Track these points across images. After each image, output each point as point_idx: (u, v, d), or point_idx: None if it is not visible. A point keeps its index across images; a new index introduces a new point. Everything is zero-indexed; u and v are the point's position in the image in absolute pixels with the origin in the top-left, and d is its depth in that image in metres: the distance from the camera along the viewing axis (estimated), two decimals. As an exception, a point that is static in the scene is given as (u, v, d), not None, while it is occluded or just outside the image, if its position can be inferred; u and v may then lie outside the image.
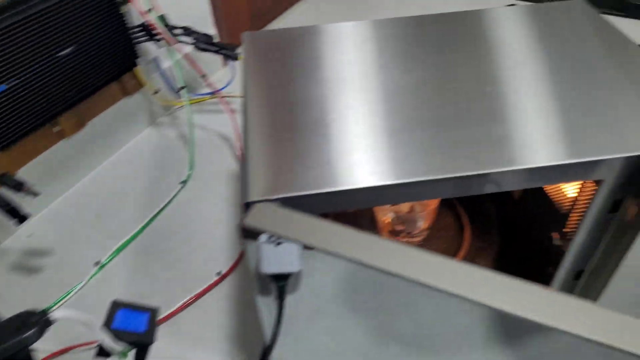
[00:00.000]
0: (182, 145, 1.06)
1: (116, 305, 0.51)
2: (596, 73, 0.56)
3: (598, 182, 0.49)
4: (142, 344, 0.48)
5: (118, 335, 0.45)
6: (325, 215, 0.78)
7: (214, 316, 0.74)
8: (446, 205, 0.79)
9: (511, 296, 0.38)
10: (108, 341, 0.43)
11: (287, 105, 0.55)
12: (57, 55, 0.81)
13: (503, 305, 0.37)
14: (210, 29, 1.20)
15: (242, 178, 0.48)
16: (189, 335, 0.72)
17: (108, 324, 0.45)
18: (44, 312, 0.36)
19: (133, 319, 0.50)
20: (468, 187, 0.48)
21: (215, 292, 0.77)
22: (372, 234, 0.43)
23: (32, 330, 0.35)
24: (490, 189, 0.48)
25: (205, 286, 0.77)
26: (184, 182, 0.97)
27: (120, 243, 0.85)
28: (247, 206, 0.45)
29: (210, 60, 1.23)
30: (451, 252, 0.72)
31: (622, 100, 0.52)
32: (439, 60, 0.60)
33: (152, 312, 0.53)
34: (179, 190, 0.95)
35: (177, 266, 0.82)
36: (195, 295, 0.76)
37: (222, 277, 0.79)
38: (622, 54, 0.58)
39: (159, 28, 0.92)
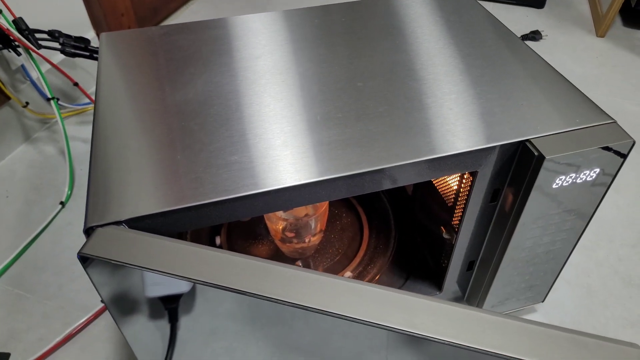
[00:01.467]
0: (63, 162, 0.96)
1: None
2: (475, 64, 0.55)
3: (474, 174, 0.49)
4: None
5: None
6: (217, 226, 0.73)
7: (100, 349, 0.67)
8: (346, 205, 0.77)
9: (410, 313, 0.35)
10: None
11: (138, 115, 0.50)
12: None
13: (382, 321, 0.35)
14: (89, 32, 1.10)
15: (86, 200, 0.42)
16: (68, 376, 0.64)
17: None
18: None
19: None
20: (359, 186, 0.45)
21: (100, 322, 0.70)
22: (226, 252, 0.39)
23: None
24: (380, 185, 0.45)
25: (88, 316, 0.69)
26: (64, 204, 0.87)
27: (-13, 278, 0.75)
28: (87, 233, 0.39)
29: (93, 67, 1.13)
30: (350, 253, 0.70)
31: (495, 91, 0.51)
32: (314, 54, 0.57)
33: (2, 358, 0.46)
34: (58, 212, 0.86)
35: (56, 297, 0.73)
36: (76, 328, 0.68)
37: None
38: (502, 46, 0.59)
39: (14, 34, 0.81)
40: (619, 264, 0.75)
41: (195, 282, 0.38)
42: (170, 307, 0.47)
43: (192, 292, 0.44)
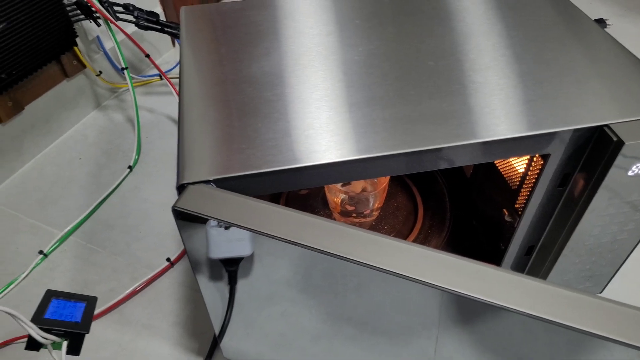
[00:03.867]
0: (130, 129, 1.01)
1: (50, 295, 0.48)
2: (547, 47, 0.55)
3: (545, 157, 0.49)
4: (76, 334, 0.45)
5: (51, 325, 0.42)
6: (276, 197, 0.76)
7: (164, 304, 0.71)
8: (400, 185, 0.78)
9: (461, 277, 0.37)
10: (36, 332, 0.40)
11: (222, 84, 0.52)
12: (-16, 32, 0.75)
13: (453, 286, 0.36)
14: (156, 7, 1.14)
15: (177, 160, 0.45)
16: (137, 324, 0.69)
17: (40, 314, 0.43)
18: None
19: (68, 309, 0.47)
20: (418, 164, 0.46)
21: (164, 279, 0.74)
22: (307, 214, 0.41)
23: None
24: (439, 165, 0.47)
25: (153, 273, 0.74)
26: (131, 168, 0.92)
27: (65, 231, 0.81)
28: (180, 189, 0.42)
29: (159, 40, 1.17)
30: (404, 231, 0.72)
31: (571, 74, 0.51)
32: (380, 33, 0.58)
33: (89, 301, 0.50)
34: (126, 176, 0.91)
35: (124, 254, 0.78)
36: (143, 283, 0.73)
37: (172, 264, 0.76)
38: (575, 29, 0.58)
39: (96, 5, 0.86)
40: (682, 262, 0.73)
41: (274, 239, 0.40)
42: (230, 270, 0.50)
43: (250, 258, 0.47)
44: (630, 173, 0.46)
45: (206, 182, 0.42)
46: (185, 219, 0.42)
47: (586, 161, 0.48)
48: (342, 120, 0.47)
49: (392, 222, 0.73)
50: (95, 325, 0.69)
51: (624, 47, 0.54)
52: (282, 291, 0.50)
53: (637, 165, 0.46)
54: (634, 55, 0.53)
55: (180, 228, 0.43)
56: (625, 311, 0.34)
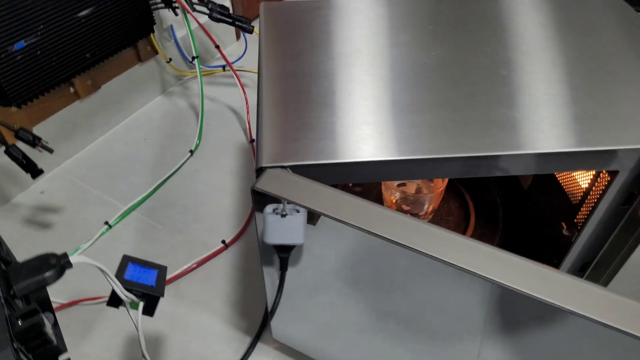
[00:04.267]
0: (192, 116, 1.06)
1: (127, 259, 0.52)
2: (616, 63, 0.55)
3: (613, 174, 0.49)
4: (152, 297, 0.48)
5: (129, 286, 0.46)
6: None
7: (217, 282, 0.75)
8: (453, 191, 0.79)
9: (520, 275, 0.38)
10: (120, 290, 0.44)
11: (300, 77, 0.55)
12: (77, 15, 0.81)
13: (510, 282, 0.38)
14: (225, 1, 1.19)
15: (256, 145, 0.48)
16: (191, 299, 0.73)
17: (120, 274, 0.46)
18: (65, 255, 0.37)
19: (143, 274, 0.51)
20: (475, 169, 0.48)
21: (218, 260, 0.78)
22: (376, 205, 0.43)
23: (52, 271, 0.36)
24: (498, 172, 0.48)
25: (209, 253, 0.78)
26: (192, 152, 0.97)
27: (129, 205, 0.86)
28: (259, 172, 0.45)
29: (224, 33, 1.22)
30: (456, 236, 0.72)
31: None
32: (453, 40, 0.60)
33: (161, 269, 0.54)
34: (187, 159, 0.95)
35: (182, 232, 0.82)
36: (198, 262, 0.77)
37: (226, 246, 0.79)
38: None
39: (178, -6, 0.91)
40: None
41: (342, 223, 0.42)
42: (282, 257, 0.52)
43: (301, 248, 0.49)
44: (700, 197, 0.46)
45: (283, 167, 0.45)
46: (261, 201, 0.45)
47: (655, 181, 0.48)
48: (411, 120, 0.49)
49: (443, 227, 0.74)
50: (152, 296, 0.73)
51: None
52: (331, 282, 0.52)
53: None
54: None
55: (256, 208, 0.46)
56: None
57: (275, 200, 0.44)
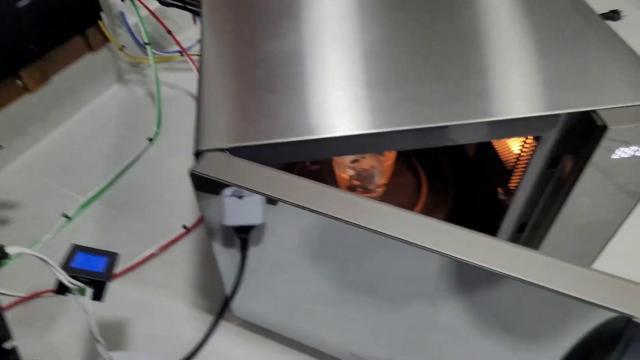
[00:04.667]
0: (151, 103, 1.06)
1: (76, 248, 0.54)
2: (550, 37, 0.58)
3: (537, 139, 0.52)
4: (99, 283, 0.50)
5: (75, 273, 0.47)
6: (289, 171, 0.81)
7: (180, 267, 0.77)
8: (406, 164, 0.82)
9: (459, 244, 0.41)
10: (65, 277, 0.45)
11: (244, 59, 0.56)
12: (16, 5, 0.80)
13: (457, 254, 0.40)
14: (178, -15, 1.18)
15: (195, 128, 0.49)
16: (154, 284, 0.75)
17: (67, 263, 0.48)
18: (1, 247, 0.38)
19: (92, 261, 0.53)
20: (421, 140, 0.50)
21: (181, 245, 0.80)
22: (315, 183, 0.45)
23: (-14, 261, 0.37)
24: (440, 142, 0.50)
25: (171, 238, 0.79)
26: (151, 140, 0.97)
27: (88, 196, 0.86)
28: (197, 155, 0.47)
29: (181, 18, 1.21)
30: (408, 207, 0.76)
31: (567, 63, 0.54)
32: (408, 18, 0.61)
33: (112, 256, 0.55)
34: (147, 147, 0.96)
35: (144, 220, 0.84)
36: (161, 247, 0.78)
37: (188, 230, 0.81)
38: (578, 21, 0.61)
39: (122, -20, 0.90)
40: (671, 246, 0.76)
41: (287, 204, 0.44)
42: (242, 237, 0.54)
43: (262, 227, 0.51)
44: (614, 156, 0.50)
45: (222, 149, 0.47)
46: (202, 185, 0.46)
47: (575, 144, 0.52)
48: (355, 98, 0.51)
49: (396, 199, 0.77)
50: (115, 285, 0.75)
51: (621, 39, 0.57)
52: (291, 258, 0.54)
53: (621, 149, 0.49)
54: (628, 46, 0.56)
55: (197, 193, 0.47)
56: (610, 280, 0.37)
57: (216, 183, 0.46)
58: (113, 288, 0.74)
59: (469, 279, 0.43)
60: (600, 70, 0.53)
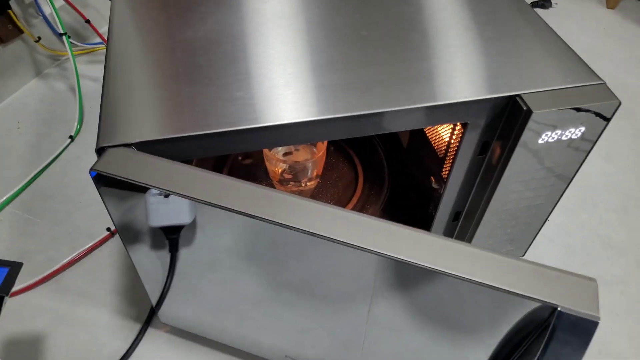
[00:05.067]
0: (72, 99, 0.99)
1: (-30, 261, 0.48)
2: (474, 21, 0.57)
3: (465, 125, 0.51)
4: (-8, 298, 0.45)
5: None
6: (220, 165, 0.77)
7: (103, 272, 0.71)
8: (343, 156, 0.80)
9: (392, 241, 0.38)
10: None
11: (156, 47, 0.52)
12: None
13: (384, 250, 0.38)
14: (101, -29, 1.10)
15: (99, 123, 0.45)
16: (75, 292, 0.69)
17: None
18: None
19: (-12, 275, 0.47)
20: (346, 129, 0.47)
21: (104, 249, 0.74)
22: (221, 175, 0.42)
23: None
24: (366, 131, 0.48)
25: (93, 242, 0.74)
26: (73, 138, 0.90)
27: (1, 201, 0.79)
28: (100, 152, 0.42)
29: (104, 7, 1.14)
30: (344, 199, 0.74)
31: (492, 49, 0.53)
32: (333, 3, 0.59)
33: (13, 266, 0.50)
34: (67, 146, 0.89)
35: (63, 224, 0.77)
36: (82, 252, 0.72)
37: (112, 234, 0.75)
38: (504, 7, 0.60)
39: (29, -36, 0.82)
40: (600, 227, 0.78)
41: (194, 200, 0.41)
42: (171, 238, 0.50)
43: (192, 226, 0.47)
44: (540, 141, 0.49)
45: (127, 145, 0.43)
46: (106, 184, 0.42)
47: (502, 130, 0.51)
48: (272, 87, 0.48)
49: (332, 191, 0.75)
50: (31, 295, 0.69)
51: (549, 26, 0.57)
52: (222, 258, 0.51)
53: (547, 133, 0.48)
54: (556, 34, 0.56)
55: (101, 193, 0.43)
56: (536, 269, 0.36)
57: (121, 182, 0.41)
58: (27, 299, 0.68)
59: (401, 275, 0.41)
60: (527, 56, 0.52)
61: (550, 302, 0.33)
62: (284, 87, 0.47)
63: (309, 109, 0.45)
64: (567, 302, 0.33)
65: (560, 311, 0.33)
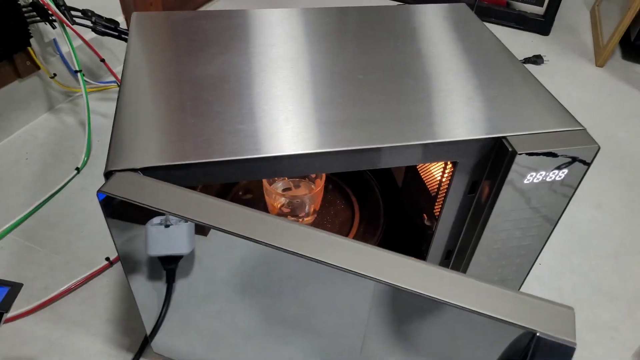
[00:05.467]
0: (82, 133, 1.02)
1: (-27, 280, 0.49)
2: (468, 69, 0.61)
3: (455, 164, 0.54)
4: (-7, 314, 0.46)
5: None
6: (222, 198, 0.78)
7: (99, 302, 0.72)
8: (340, 193, 0.82)
9: (397, 271, 0.40)
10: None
11: (167, 83, 0.55)
12: None
13: (383, 277, 0.39)
14: (118, 17, 1.17)
15: (108, 149, 0.47)
16: (69, 321, 0.69)
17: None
18: None
19: (-11, 293, 0.48)
20: (340, 163, 0.50)
21: (102, 278, 0.75)
22: (228, 202, 0.44)
23: None
24: (360, 165, 0.50)
25: (91, 272, 0.75)
26: (79, 169, 0.93)
27: (1, 229, 0.81)
28: (107, 176, 0.45)
29: (119, 48, 1.20)
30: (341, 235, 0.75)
31: (480, 92, 0.57)
32: (330, 48, 0.63)
33: (14, 286, 0.51)
34: (73, 177, 0.92)
35: (63, 252, 0.78)
36: (79, 281, 0.73)
37: (111, 263, 0.76)
38: (492, 57, 0.64)
39: (52, 8, 0.88)
40: (591, 273, 0.79)
41: (198, 224, 0.43)
42: (168, 268, 0.52)
43: (191, 257, 0.49)
44: (525, 181, 0.52)
45: (134, 170, 0.45)
46: (113, 208, 0.44)
47: (490, 170, 0.53)
48: (273, 121, 0.51)
49: (329, 227, 0.77)
50: (25, 322, 0.69)
51: (534, 76, 0.61)
52: (219, 290, 0.52)
53: (531, 174, 0.51)
54: (541, 84, 0.59)
55: (106, 216, 0.45)
56: (517, 297, 0.37)
57: (127, 205, 0.43)
58: (21, 326, 0.69)
59: (394, 302, 0.42)
60: (514, 102, 0.55)
61: (529, 328, 0.34)
62: (284, 121, 0.51)
63: (307, 142, 0.48)
64: (545, 328, 0.34)
65: (539, 336, 0.34)
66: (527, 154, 0.49)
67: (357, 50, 0.63)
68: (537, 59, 1.32)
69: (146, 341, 0.66)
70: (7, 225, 0.81)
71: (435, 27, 0.70)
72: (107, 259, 0.77)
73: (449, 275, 0.39)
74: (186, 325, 0.58)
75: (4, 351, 0.66)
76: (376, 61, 0.61)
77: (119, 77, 1.03)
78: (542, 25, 1.49)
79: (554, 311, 0.36)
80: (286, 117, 0.51)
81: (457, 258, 0.64)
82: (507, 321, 0.36)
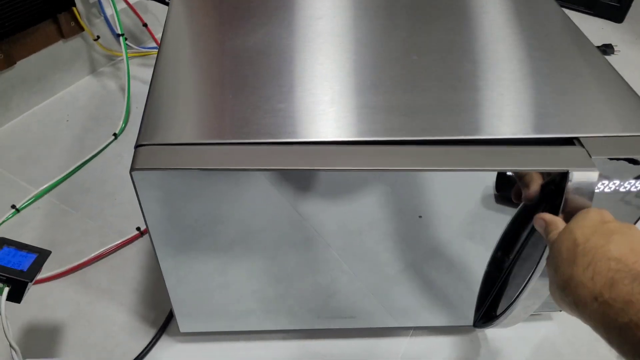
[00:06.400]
0: (121, 98, 1.01)
1: (2, 242, 0.48)
2: (533, 56, 0.55)
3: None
4: (18, 282, 0.45)
5: (-6, 269, 0.42)
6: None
7: (128, 271, 0.71)
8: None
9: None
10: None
11: (205, 54, 0.52)
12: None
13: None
14: (164, -21, 1.14)
15: (141, 122, 0.45)
16: (98, 288, 0.69)
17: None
18: None
19: (17, 258, 0.47)
20: None
21: (132, 248, 0.74)
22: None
23: None
24: None
25: (122, 240, 0.74)
26: (117, 135, 0.92)
27: (39, 189, 0.81)
28: (138, 149, 0.42)
29: (163, 14, 1.17)
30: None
31: (548, 84, 0.51)
32: (382, 25, 0.58)
33: (41, 254, 0.50)
34: (110, 143, 0.91)
35: (96, 219, 0.78)
36: (110, 248, 0.73)
37: (142, 233, 0.76)
38: (565, 43, 0.58)
39: (99, -34, 0.86)
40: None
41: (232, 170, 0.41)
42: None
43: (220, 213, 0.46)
44: (595, 190, 0.46)
45: (166, 145, 0.42)
46: (145, 180, 0.42)
47: (552, 171, 0.48)
48: (315, 102, 0.47)
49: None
50: (55, 285, 0.69)
51: (613, 67, 0.54)
52: (252, 236, 0.49)
53: (603, 182, 0.45)
54: (621, 77, 0.52)
55: (137, 189, 0.42)
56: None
57: (154, 177, 0.41)
58: (52, 288, 0.69)
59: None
60: (587, 96, 0.49)
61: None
62: (327, 103, 0.47)
63: (349, 129, 0.44)
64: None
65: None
66: (601, 158, 0.43)
67: (412, 27, 0.58)
68: (606, 49, 1.21)
69: (170, 317, 0.65)
70: (44, 186, 0.81)
71: (501, 6, 0.63)
72: (138, 228, 0.76)
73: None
74: (212, 294, 0.56)
75: (34, 311, 0.66)
76: (432, 41, 0.56)
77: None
78: (615, 11, 1.36)
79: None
80: (331, 99, 0.47)
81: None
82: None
